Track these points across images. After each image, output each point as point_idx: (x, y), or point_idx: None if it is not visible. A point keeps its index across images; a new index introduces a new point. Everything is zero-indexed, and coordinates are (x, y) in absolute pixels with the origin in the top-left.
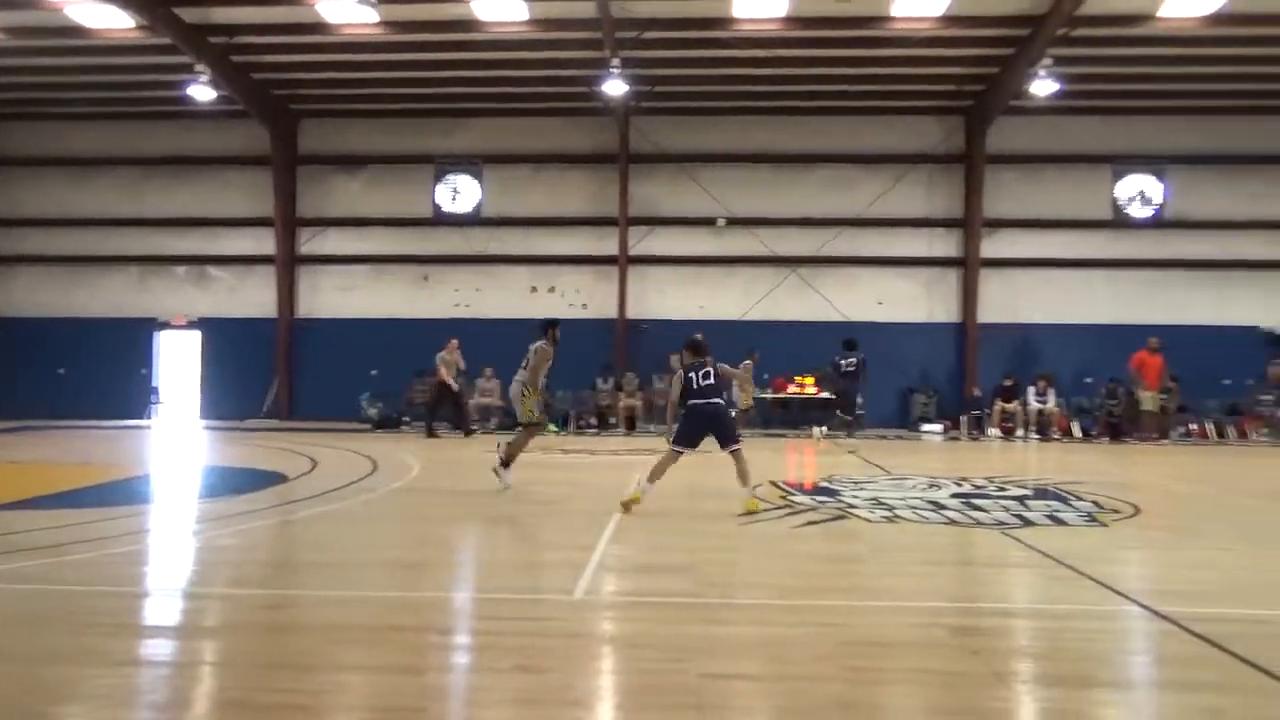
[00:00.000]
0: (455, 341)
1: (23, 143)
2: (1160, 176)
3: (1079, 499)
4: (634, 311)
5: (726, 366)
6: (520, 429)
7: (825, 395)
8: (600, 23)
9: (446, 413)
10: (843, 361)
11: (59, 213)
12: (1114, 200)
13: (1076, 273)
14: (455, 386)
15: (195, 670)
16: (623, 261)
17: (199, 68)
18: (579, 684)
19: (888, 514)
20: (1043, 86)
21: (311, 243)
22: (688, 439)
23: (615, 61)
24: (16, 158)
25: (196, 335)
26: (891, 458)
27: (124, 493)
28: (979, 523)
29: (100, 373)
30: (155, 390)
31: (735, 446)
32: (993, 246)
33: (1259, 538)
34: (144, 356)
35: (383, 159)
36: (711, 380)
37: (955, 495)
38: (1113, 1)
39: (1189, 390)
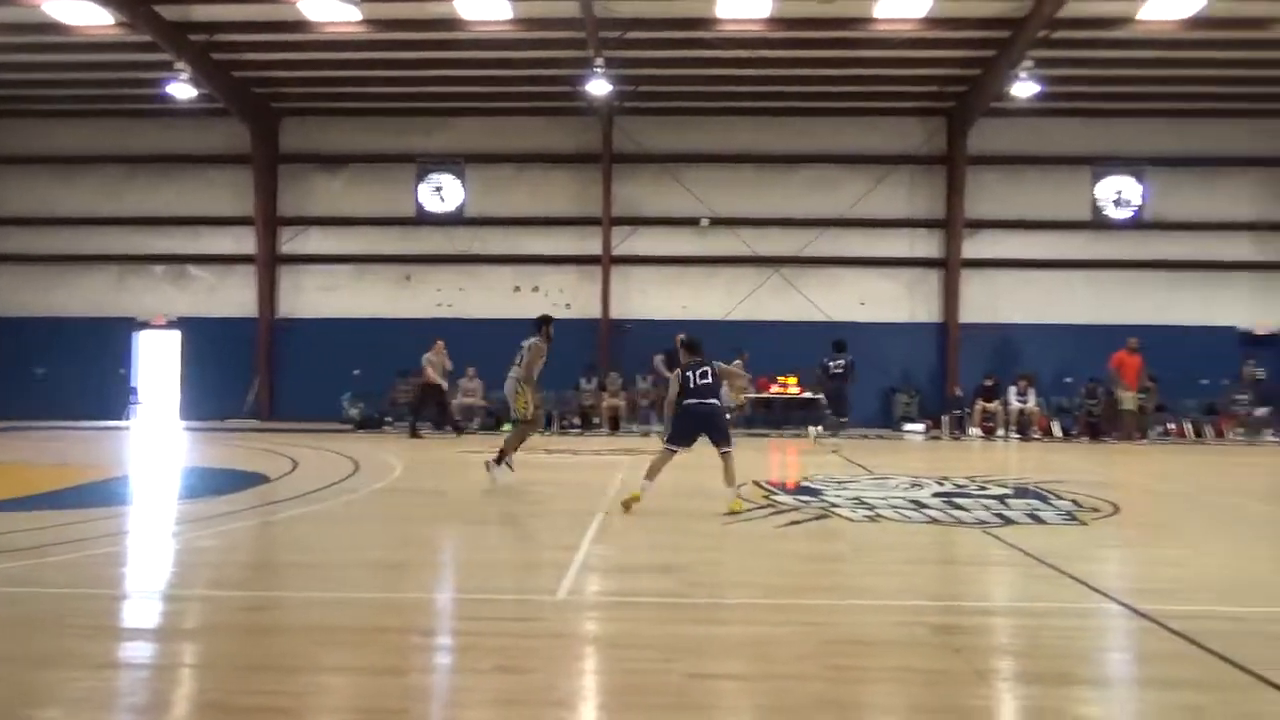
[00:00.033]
0: (442, 343)
1: (1, 141)
2: (1139, 178)
3: (1059, 498)
4: (617, 311)
5: (723, 365)
6: (515, 425)
7: (808, 395)
8: (584, 22)
9: (430, 413)
10: (831, 363)
11: (37, 211)
12: (1094, 201)
13: (1056, 273)
14: (445, 386)
15: (175, 673)
16: (606, 261)
17: (179, 65)
18: (562, 684)
19: (870, 513)
20: (1023, 88)
21: (293, 242)
22: (682, 438)
23: (599, 61)
24: None
25: (176, 335)
26: (874, 457)
27: (103, 494)
28: (960, 522)
29: (79, 373)
30: (134, 390)
31: (727, 449)
32: (974, 247)
33: (1235, 536)
34: (123, 356)
35: (365, 158)
36: (710, 380)
37: (937, 494)
38: (1093, 5)
39: (1167, 390)
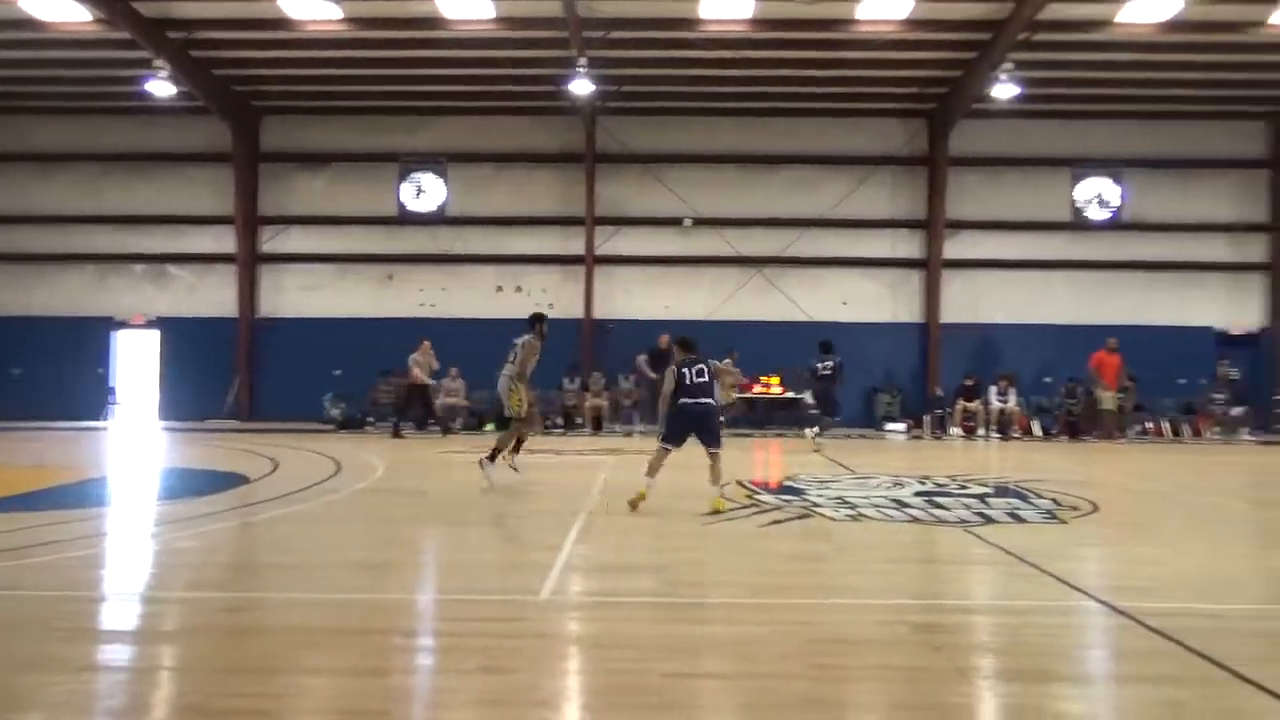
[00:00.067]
0: (428, 343)
1: None
2: (1117, 179)
3: (1039, 497)
4: (600, 311)
5: (717, 363)
6: (508, 424)
7: (791, 395)
8: (566, 22)
9: (415, 413)
10: (819, 365)
11: (14, 209)
12: (1073, 202)
13: (1036, 274)
14: (432, 385)
15: (155, 675)
16: (589, 261)
17: (158, 63)
18: (545, 684)
19: (852, 513)
20: (1004, 90)
21: (274, 241)
22: (675, 437)
23: (582, 61)
24: None
25: (155, 335)
26: (856, 457)
27: (81, 495)
28: (942, 521)
29: (56, 373)
30: (112, 390)
31: (715, 450)
32: (955, 248)
33: (1213, 534)
34: (101, 356)
35: (346, 157)
36: (705, 379)
37: (918, 494)
38: (1072, 8)
39: (1145, 390)
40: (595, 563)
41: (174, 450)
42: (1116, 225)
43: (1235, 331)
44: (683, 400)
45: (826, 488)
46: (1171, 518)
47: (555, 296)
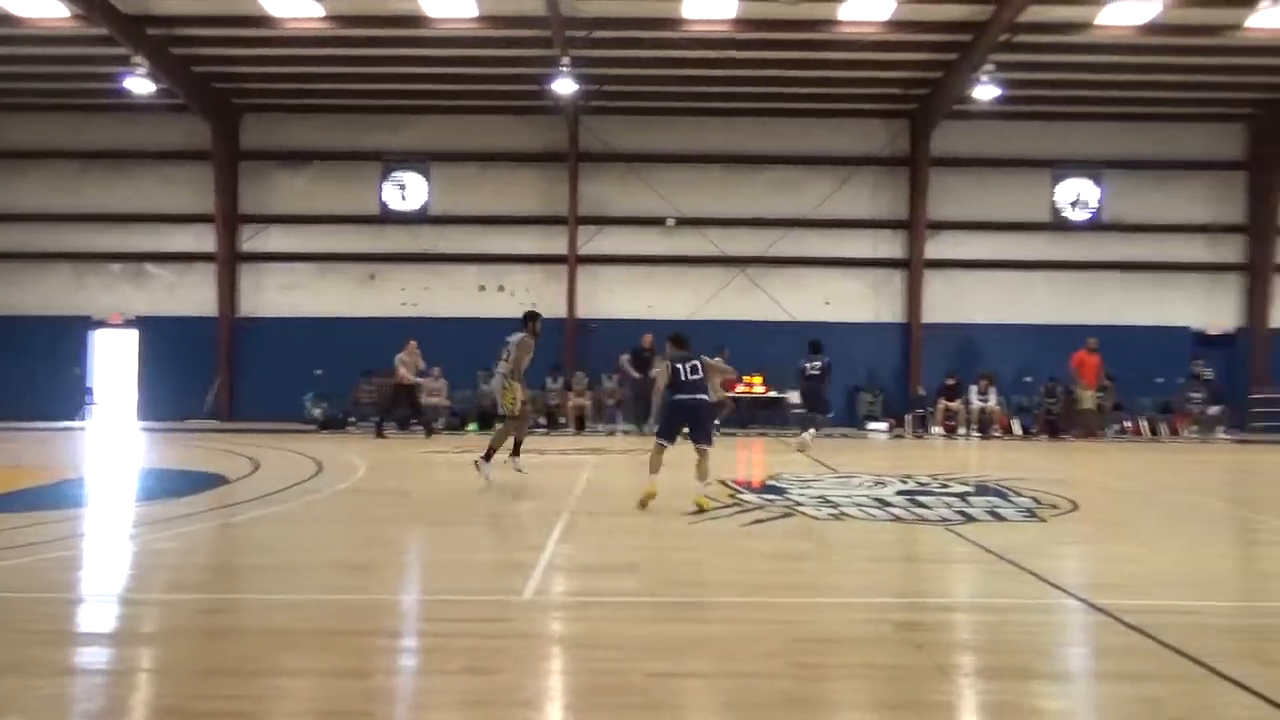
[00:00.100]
0: (414, 342)
1: None
2: (1097, 181)
3: (1019, 495)
4: (583, 311)
5: (710, 360)
6: (502, 422)
7: (774, 395)
8: (549, 21)
9: (401, 414)
10: (808, 365)
11: None
12: (1053, 203)
13: (1017, 274)
14: (420, 384)
15: (133, 678)
16: (572, 261)
17: (136, 60)
18: (528, 685)
19: (834, 512)
20: (985, 91)
21: (254, 240)
22: (669, 432)
23: (565, 60)
24: None
25: (134, 334)
26: (838, 456)
27: (58, 496)
28: (923, 519)
29: (32, 372)
30: (90, 391)
31: (705, 447)
32: (936, 248)
33: (1189, 532)
34: (78, 356)
35: (328, 155)
36: (699, 375)
37: (900, 493)
38: (1052, 10)
39: (1124, 389)
40: (578, 562)
41: (152, 451)
42: (1096, 226)
43: (1212, 332)
44: (677, 396)
45: (809, 487)
46: (1150, 516)
47: (538, 296)
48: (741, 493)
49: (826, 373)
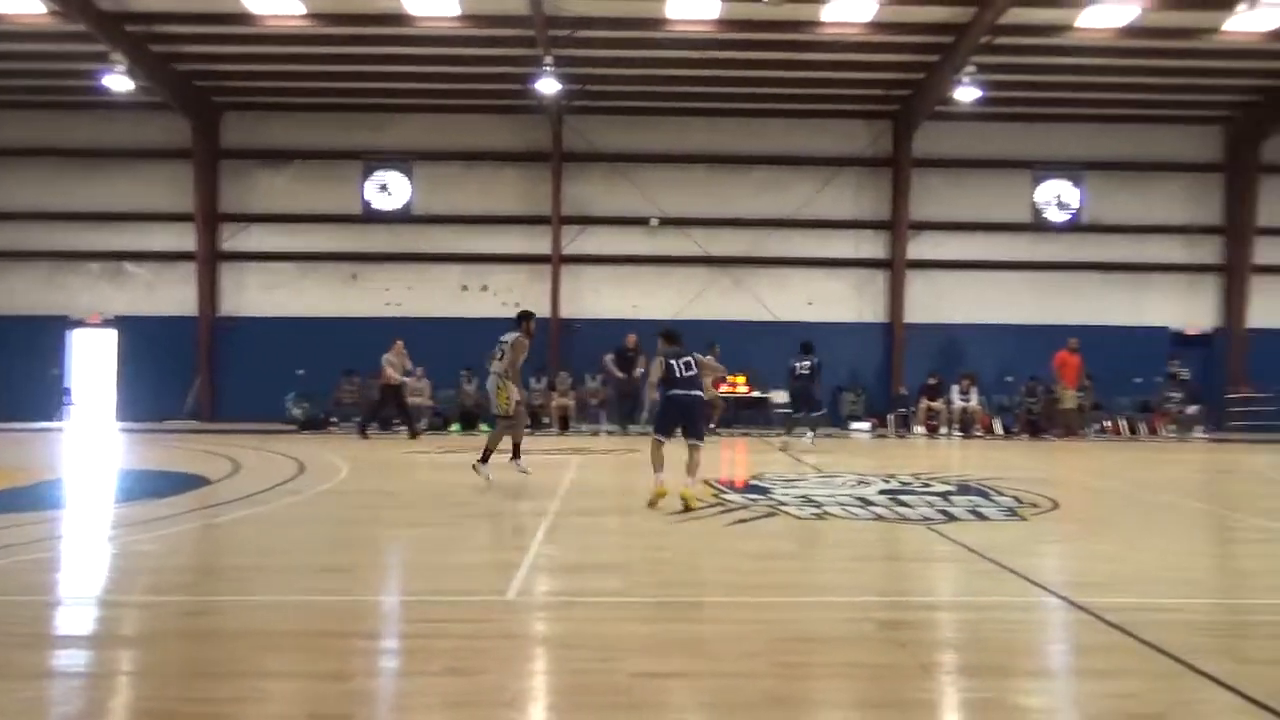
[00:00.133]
0: (400, 342)
1: None
2: (1077, 182)
3: (1000, 494)
4: (567, 311)
5: (701, 357)
6: (498, 422)
7: (757, 394)
8: (532, 20)
9: (387, 413)
10: (798, 364)
11: None
12: (1033, 204)
13: (998, 274)
14: (407, 384)
15: (113, 680)
16: (556, 260)
17: (115, 57)
18: (512, 685)
19: (817, 511)
20: (966, 93)
21: (235, 239)
22: (665, 428)
23: (548, 59)
24: None
25: (113, 334)
26: (821, 455)
27: (35, 498)
28: (905, 518)
29: (9, 372)
30: (68, 391)
31: (697, 443)
32: (918, 248)
33: (1167, 531)
34: (56, 356)
35: (309, 154)
36: (694, 371)
37: (883, 492)
38: (1033, 12)
39: (1103, 389)
40: (562, 563)
41: (132, 451)
42: (1075, 227)
43: (1190, 332)
44: (673, 392)
45: (792, 486)
46: (1129, 515)
47: (521, 296)
48: (725, 492)
49: (816, 372)
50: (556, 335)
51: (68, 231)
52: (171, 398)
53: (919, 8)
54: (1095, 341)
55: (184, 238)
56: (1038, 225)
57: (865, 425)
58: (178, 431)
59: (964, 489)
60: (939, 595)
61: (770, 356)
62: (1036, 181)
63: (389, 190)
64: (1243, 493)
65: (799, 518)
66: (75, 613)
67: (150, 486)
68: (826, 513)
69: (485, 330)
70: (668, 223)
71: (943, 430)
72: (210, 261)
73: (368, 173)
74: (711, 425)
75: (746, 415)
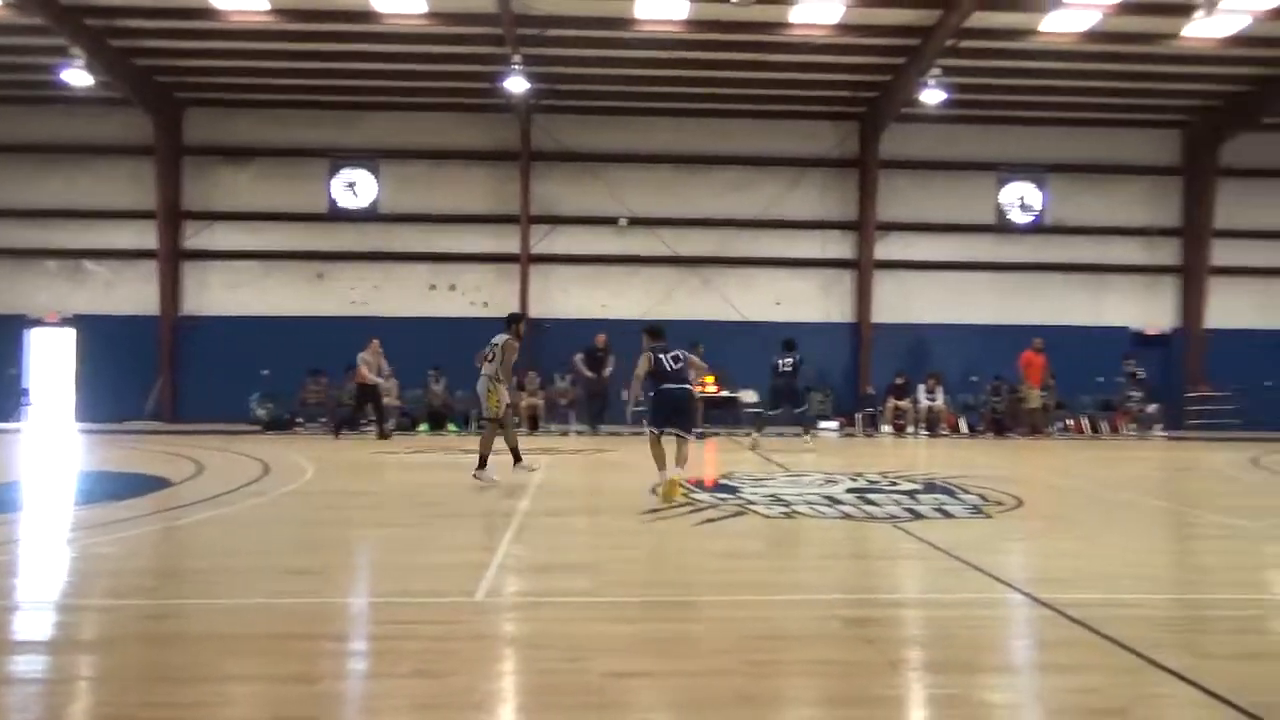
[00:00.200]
0: (376, 341)
1: None
2: (1040, 184)
3: (966, 492)
4: (536, 310)
5: (689, 354)
6: (486, 425)
7: (726, 394)
8: (500, 18)
9: (365, 413)
10: (780, 362)
11: None
12: (998, 206)
13: (963, 275)
14: (382, 384)
15: (71, 686)
16: (524, 260)
17: (74, 51)
18: (481, 686)
19: (786, 510)
20: (932, 95)
21: (198, 237)
22: (659, 420)
23: (516, 58)
24: None
25: (71, 333)
26: (789, 455)
27: None
28: (872, 517)
29: None
30: (25, 391)
31: (686, 436)
32: (885, 249)
33: (1128, 527)
34: (13, 356)
35: (274, 151)
36: (681, 365)
37: (850, 491)
38: (997, 16)
39: (1064, 388)
40: (531, 563)
41: (92, 453)
42: (1039, 228)
43: (1150, 332)
44: (664, 385)
45: (761, 485)
46: (1092, 512)
47: (490, 295)
48: (694, 492)
49: (798, 369)
50: (526, 335)
51: (25, 229)
52: (132, 398)
53: (885, 10)
54: (1056, 341)
55: (145, 236)
56: (1002, 227)
57: (833, 424)
58: (138, 433)
59: (930, 487)
60: (906, 592)
61: (739, 356)
62: (1001, 183)
63: (355, 188)
64: (1201, 490)
65: (767, 517)
66: (32, 617)
67: (110, 488)
68: (795, 511)
69: (453, 330)
70: (636, 222)
71: (909, 429)
72: (172, 260)
73: (334, 171)
74: (699, 431)
75: (715, 415)
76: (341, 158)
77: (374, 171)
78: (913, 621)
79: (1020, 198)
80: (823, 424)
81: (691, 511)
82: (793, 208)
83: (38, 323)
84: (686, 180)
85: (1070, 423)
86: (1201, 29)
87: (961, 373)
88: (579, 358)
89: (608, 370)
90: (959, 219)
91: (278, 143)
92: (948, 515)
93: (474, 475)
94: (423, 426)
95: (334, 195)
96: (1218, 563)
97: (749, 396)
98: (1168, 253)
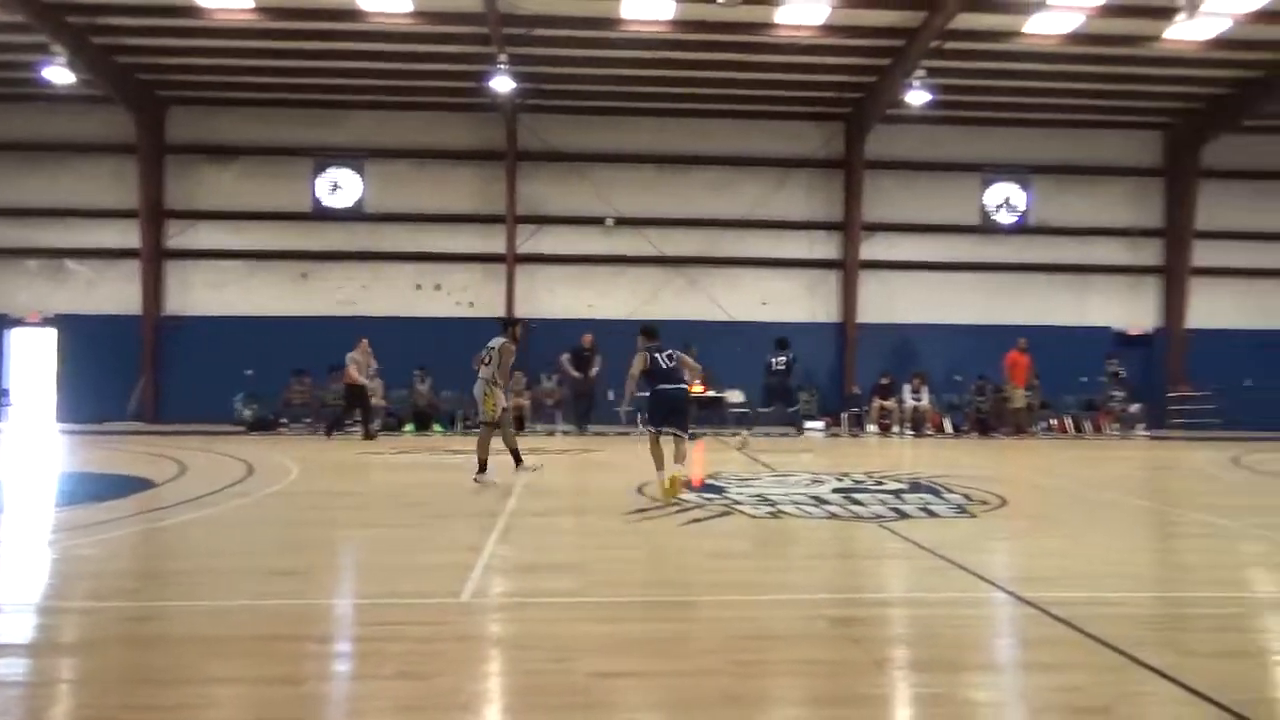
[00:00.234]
0: (365, 341)
1: None
2: (1024, 185)
3: (951, 492)
4: (523, 310)
5: (682, 354)
6: (481, 428)
7: (712, 394)
8: (486, 18)
9: (355, 413)
10: (774, 360)
11: None
12: (982, 207)
13: (948, 275)
14: (370, 385)
15: (53, 689)
16: (511, 260)
17: (56, 49)
18: (467, 687)
19: (772, 510)
20: (917, 96)
21: (181, 236)
22: (656, 419)
23: (503, 57)
24: None
25: (52, 333)
26: (775, 455)
27: None
28: (858, 516)
29: None
30: (6, 391)
31: (683, 435)
32: (871, 249)
33: (1111, 526)
34: None
35: (258, 150)
36: (675, 364)
37: (836, 490)
38: (982, 18)
39: (1048, 387)
40: (516, 563)
41: (73, 454)
42: (1022, 229)
43: (1132, 332)
44: (660, 385)
45: (747, 485)
46: (1075, 511)
47: (476, 295)
48: (681, 491)
49: (791, 367)
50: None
51: (6, 228)
52: (114, 398)
53: (870, 11)
54: (1040, 341)
55: (127, 235)
56: (986, 227)
57: (819, 424)
58: (120, 433)
59: (915, 487)
60: (891, 592)
61: (725, 356)
62: (985, 184)
63: (340, 188)
64: (1183, 489)
65: (754, 516)
66: (12, 620)
67: (92, 490)
68: (781, 511)
69: (439, 330)
70: (623, 222)
71: (895, 429)
72: (155, 259)
73: (319, 170)
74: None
75: (701, 415)
76: (326, 157)
77: (359, 171)
78: (898, 621)
79: (1004, 198)
80: (808, 424)
81: (678, 511)
82: (779, 208)
83: (18, 323)
84: (673, 180)
85: (1054, 422)
86: (1183, 32)
87: (946, 372)
88: (565, 358)
89: (594, 370)
90: (944, 219)
91: (261, 141)
92: (933, 515)
93: (474, 479)
94: (408, 427)
95: (319, 194)
96: (1199, 561)
97: (735, 396)
98: (1150, 253)
